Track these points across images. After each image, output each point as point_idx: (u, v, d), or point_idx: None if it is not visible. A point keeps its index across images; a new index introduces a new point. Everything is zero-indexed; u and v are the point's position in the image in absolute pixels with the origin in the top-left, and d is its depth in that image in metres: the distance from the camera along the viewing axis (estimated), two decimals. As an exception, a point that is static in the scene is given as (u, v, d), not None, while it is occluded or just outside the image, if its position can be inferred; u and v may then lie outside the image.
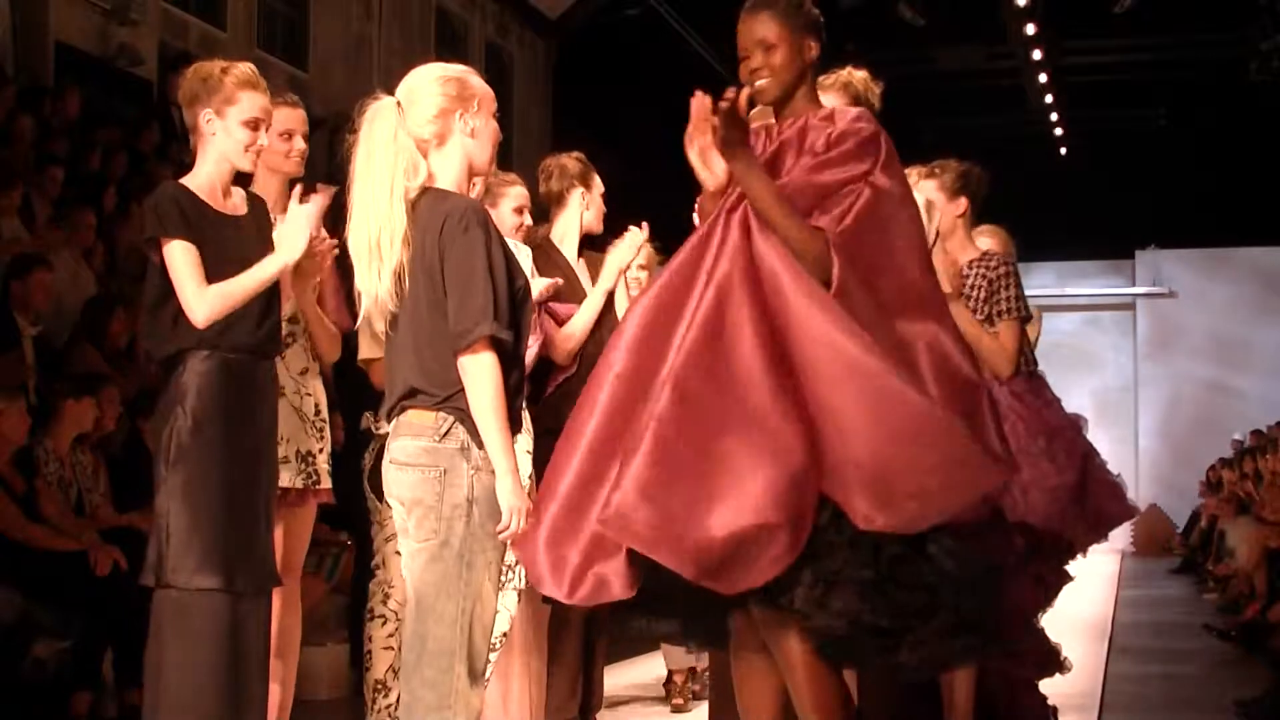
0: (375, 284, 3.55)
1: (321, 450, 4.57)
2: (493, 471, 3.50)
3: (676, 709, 6.63)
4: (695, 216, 3.80)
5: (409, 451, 3.55)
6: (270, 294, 4.12)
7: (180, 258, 3.97)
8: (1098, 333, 19.83)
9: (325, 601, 7.41)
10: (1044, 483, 4.76)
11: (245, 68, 4.16)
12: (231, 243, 4.07)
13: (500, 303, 3.49)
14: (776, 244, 3.33)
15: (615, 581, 3.25)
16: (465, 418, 3.51)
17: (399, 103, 3.61)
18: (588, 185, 5.22)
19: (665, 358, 3.29)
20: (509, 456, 3.49)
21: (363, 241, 3.56)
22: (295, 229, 4.05)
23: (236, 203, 4.20)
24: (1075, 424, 5.06)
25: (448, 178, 3.63)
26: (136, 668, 6.05)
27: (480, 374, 3.47)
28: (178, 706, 3.92)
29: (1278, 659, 7.98)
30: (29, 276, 7.46)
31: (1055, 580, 5.00)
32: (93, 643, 6.07)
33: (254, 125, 4.12)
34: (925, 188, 4.88)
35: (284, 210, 4.28)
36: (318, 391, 4.60)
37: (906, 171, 4.86)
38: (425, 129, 3.60)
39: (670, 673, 6.74)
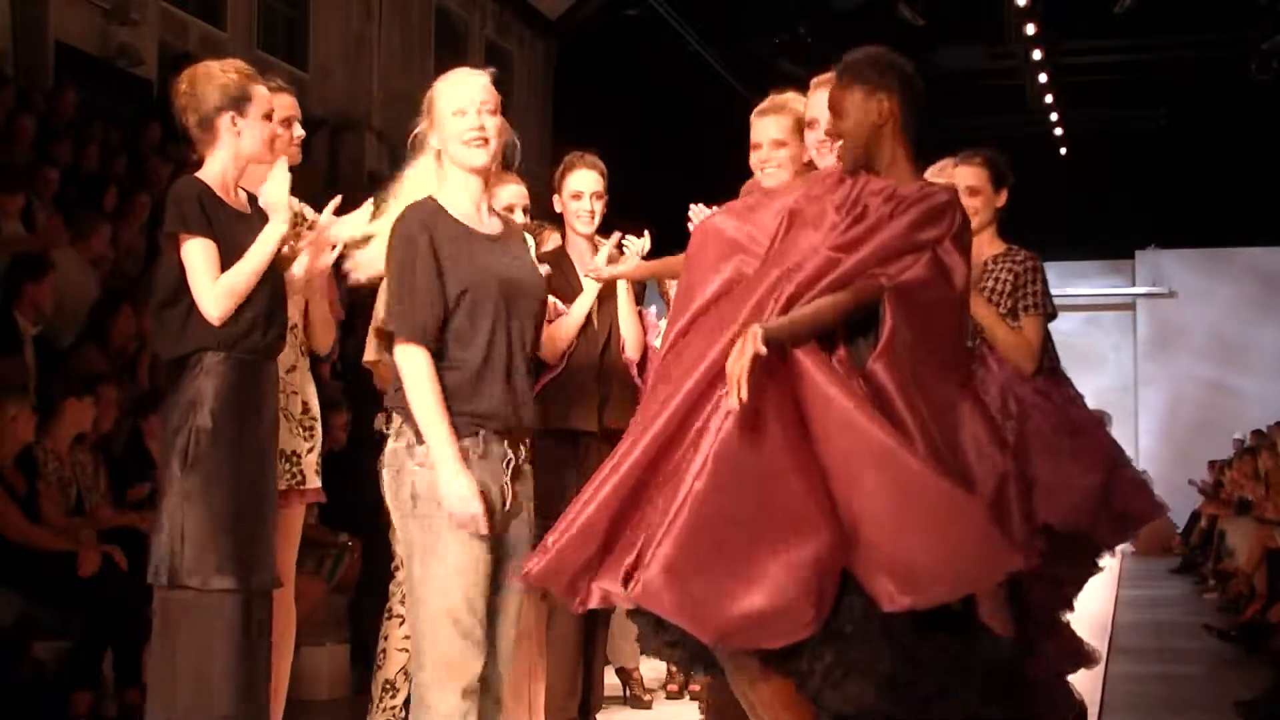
0: None
1: (310, 450, 4.52)
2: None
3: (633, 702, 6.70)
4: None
5: (385, 452, 3.71)
6: (277, 295, 4.12)
7: (199, 255, 3.97)
8: (1098, 333, 19.80)
9: (325, 602, 7.40)
10: (1069, 483, 4.69)
11: (243, 64, 4.20)
12: (244, 241, 4.05)
13: (418, 303, 3.59)
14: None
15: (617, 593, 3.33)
16: (409, 415, 3.62)
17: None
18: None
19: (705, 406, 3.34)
20: (447, 445, 3.55)
21: None
22: (277, 193, 4.06)
23: (243, 200, 4.19)
24: (1099, 421, 5.02)
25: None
26: (136, 668, 6.09)
27: (402, 370, 3.61)
28: (191, 707, 3.92)
29: (1278, 659, 7.98)
30: (30, 276, 7.45)
31: (1076, 580, 4.96)
32: (93, 643, 6.07)
33: (270, 117, 4.17)
34: (966, 174, 4.86)
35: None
36: (306, 389, 4.55)
37: (940, 164, 4.88)
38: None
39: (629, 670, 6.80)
